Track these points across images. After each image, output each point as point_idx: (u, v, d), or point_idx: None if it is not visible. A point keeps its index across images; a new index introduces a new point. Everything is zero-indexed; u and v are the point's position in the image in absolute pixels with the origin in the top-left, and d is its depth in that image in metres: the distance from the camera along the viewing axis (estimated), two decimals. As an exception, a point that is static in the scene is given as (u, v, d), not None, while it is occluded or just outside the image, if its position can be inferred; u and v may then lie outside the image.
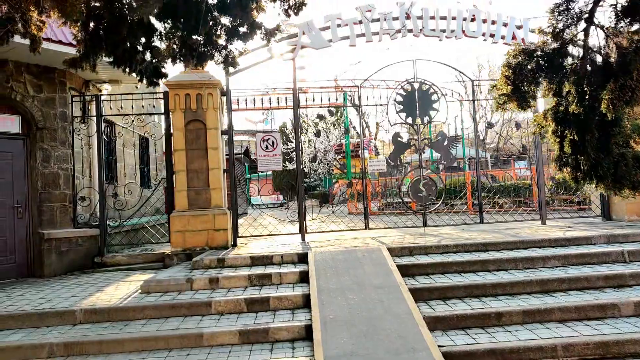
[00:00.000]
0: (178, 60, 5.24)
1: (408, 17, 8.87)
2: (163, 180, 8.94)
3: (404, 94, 9.08)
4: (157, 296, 6.03)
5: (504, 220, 9.46)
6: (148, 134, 12.55)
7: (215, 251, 7.87)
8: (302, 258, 7.03)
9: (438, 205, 9.14)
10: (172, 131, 8.42)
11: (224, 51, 5.46)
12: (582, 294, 5.57)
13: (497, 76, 9.18)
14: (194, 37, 5.16)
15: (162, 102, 8.96)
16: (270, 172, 30.38)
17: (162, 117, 12.07)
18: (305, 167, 32.43)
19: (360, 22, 8.78)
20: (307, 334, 5.00)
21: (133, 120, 8.66)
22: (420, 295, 5.61)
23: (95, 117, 8.79)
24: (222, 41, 5.54)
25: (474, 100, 9.19)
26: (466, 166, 18.44)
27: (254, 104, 8.81)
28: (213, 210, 8.22)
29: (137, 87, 9.69)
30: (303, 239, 8.66)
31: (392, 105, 9.04)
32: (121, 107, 9.03)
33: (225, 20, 5.49)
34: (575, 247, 7.02)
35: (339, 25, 8.76)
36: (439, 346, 4.48)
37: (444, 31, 8.94)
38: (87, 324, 5.49)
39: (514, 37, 9.12)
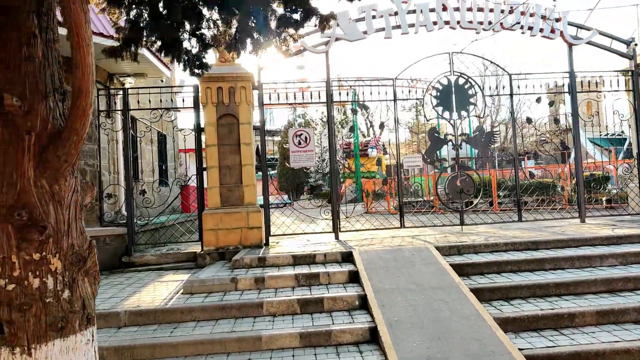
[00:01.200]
0: (234, 47, 4.95)
1: (445, 9, 8.62)
2: (192, 176, 8.64)
3: (440, 88, 8.82)
4: (201, 297, 5.74)
5: (542, 218, 9.20)
6: (165, 131, 12.25)
7: (251, 250, 7.59)
8: (346, 257, 6.75)
9: (477, 202, 8.87)
10: (202, 126, 8.14)
11: (277, 38, 5.18)
12: (652, 294, 5.33)
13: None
14: (249, 23, 4.88)
15: (178, 97, 8.65)
16: (275, 172, 30.20)
17: (178, 112, 11.83)
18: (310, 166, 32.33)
19: (396, 13, 8.52)
20: (371, 336, 4.73)
21: (162, 115, 8.35)
22: (481, 295, 5.34)
23: (120, 112, 8.49)
24: (273, 27, 5.26)
25: (512, 95, 8.93)
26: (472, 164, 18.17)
27: (287, 98, 8.53)
28: (247, 208, 7.93)
29: (162, 81, 9.39)
30: (337, 237, 8.39)
31: (427, 100, 8.79)
32: (138, 102, 8.73)
33: (278, 6, 5.21)
34: (628, 245, 6.77)
35: (374, 17, 8.50)
36: (518, 349, 4.22)
37: (481, 23, 8.69)
38: (132, 326, 5.20)
39: (552, 31, 8.89)
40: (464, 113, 8.80)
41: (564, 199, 11.56)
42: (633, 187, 9.18)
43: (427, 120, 8.80)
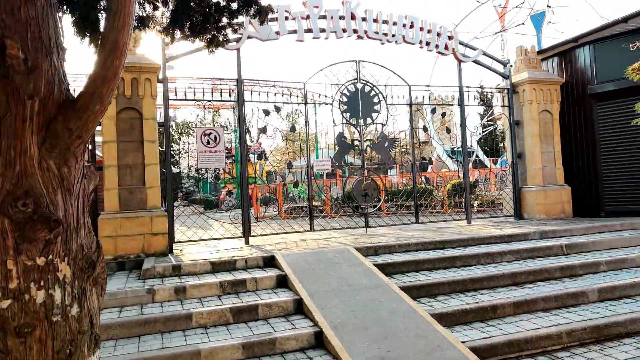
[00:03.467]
0: (169, 30, 4.46)
1: (353, 18, 8.86)
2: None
3: (348, 94, 9.03)
4: (114, 312, 5.05)
5: (436, 220, 9.90)
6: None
7: (157, 258, 6.92)
8: (268, 262, 6.50)
9: (379, 205, 9.21)
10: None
11: (214, 26, 4.81)
12: (549, 284, 6.01)
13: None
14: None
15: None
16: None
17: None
18: (183, 170, 30.82)
19: (308, 17, 8.53)
20: (317, 341, 4.59)
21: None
22: (410, 293, 5.51)
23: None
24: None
25: (410, 104, 9.50)
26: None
27: (194, 95, 7.99)
28: (150, 212, 7.23)
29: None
30: (247, 242, 8.06)
31: (337, 105, 8.93)
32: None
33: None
34: (518, 242, 7.59)
35: (286, 18, 8.40)
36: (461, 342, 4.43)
37: (385, 35, 9.10)
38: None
39: (446, 47, 9.66)
40: (369, 120, 9.12)
41: (442, 203, 12.61)
42: (508, 192, 10.37)
43: (335, 125, 8.93)
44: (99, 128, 7.30)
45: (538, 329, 4.79)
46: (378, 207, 9.17)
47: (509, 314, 5.26)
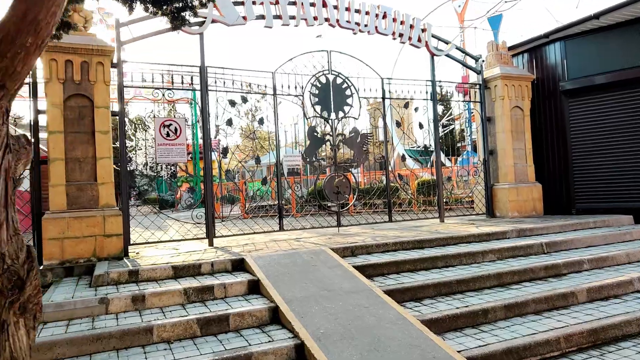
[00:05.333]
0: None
1: (325, 5, 8.37)
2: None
3: (319, 86, 8.54)
4: (61, 326, 4.34)
5: (409, 219, 9.55)
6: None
7: (111, 262, 6.20)
8: (237, 265, 5.92)
9: (352, 203, 8.77)
10: (43, 108, 6.43)
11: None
12: (536, 285, 5.73)
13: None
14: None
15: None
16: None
17: None
18: (137, 168, 29.43)
19: (277, 2, 7.98)
20: (298, 355, 4.07)
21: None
22: (394, 297, 5.07)
23: None
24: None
25: (384, 98, 9.12)
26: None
27: (152, 81, 7.27)
28: (103, 211, 6.48)
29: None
30: (211, 244, 7.42)
31: (307, 97, 8.42)
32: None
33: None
34: (497, 241, 7.34)
35: (254, 2, 7.81)
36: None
37: (358, 24, 8.67)
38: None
39: (419, 39, 9.34)
40: (341, 113, 8.66)
41: (410, 201, 12.33)
42: (480, 189, 10.17)
43: (307, 118, 8.42)
44: (43, 120, 6.49)
45: (534, 334, 4.46)
46: (350, 205, 8.72)
47: (501, 317, 4.92)
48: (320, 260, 5.94)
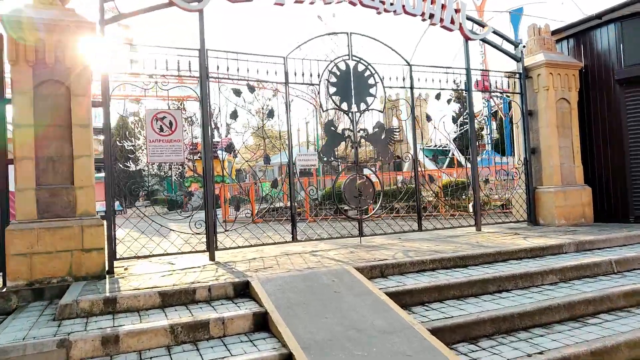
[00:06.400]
0: None
1: (345, -20, 7.20)
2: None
3: (338, 73, 7.37)
4: (1, 383, 3.24)
5: (441, 227, 8.31)
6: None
7: (89, 284, 5.09)
8: (241, 290, 4.78)
9: (376, 209, 7.59)
10: (9, 96, 5.35)
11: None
12: (619, 319, 4.51)
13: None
14: None
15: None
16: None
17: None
18: (144, 168, 28.44)
19: (290, -25, 6.82)
20: None
21: None
22: (442, 338, 3.90)
23: None
24: None
25: (412, 88, 7.92)
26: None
27: (143, 67, 6.16)
28: (81, 221, 5.37)
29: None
30: (213, 258, 6.29)
31: (324, 86, 7.26)
32: None
33: None
34: (553, 257, 6.12)
35: (263, -25, 6.67)
36: None
37: (382, 2, 7.47)
38: None
39: (452, 21, 8.12)
40: (362, 105, 7.48)
41: (436, 206, 11.12)
42: (521, 192, 8.91)
43: (324, 111, 7.26)
44: (8, 111, 5.41)
45: (645, 399, 3.26)
46: (374, 211, 7.54)
47: (589, 370, 3.72)
48: (344, 284, 4.77)
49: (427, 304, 4.68)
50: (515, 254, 6.05)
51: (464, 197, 12.77)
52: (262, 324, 4.14)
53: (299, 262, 5.77)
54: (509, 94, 9.30)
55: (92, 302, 4.29)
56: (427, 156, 22.21)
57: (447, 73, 8.15)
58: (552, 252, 6.28)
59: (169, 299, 4.50)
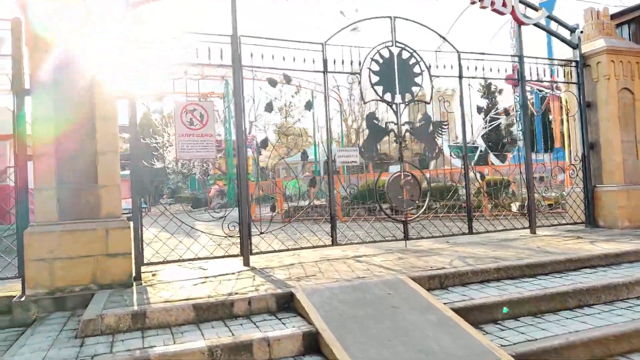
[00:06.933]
0: None
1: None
2: (7, 169, 5.18)
3: (381, 61, 6.74)
4: (13, 419, 2.72)
5: (492, 229, 7.57)
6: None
7: (114, 293, 4.59)
8: (284, 302, 4.20)
9: (422, 210, 6.93)
10: (27, 86, 4.88)
11: None
12: None
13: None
14: None
15: None
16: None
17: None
18: (169, 166, 28.20)
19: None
20: None
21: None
22: (528, 366, 3.27)
23: None
24: None
25: (461, 77, 7.23)
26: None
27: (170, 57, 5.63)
28: (106, 223, 4.88)
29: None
30: (247, 263, 5.75)
31: (365, 75, 6.64)
32: None
33: None
34: (631, 265, 5.39)
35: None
36: None
37: (430, -16, 6.81)
38: None
39: (504, 4, 7.41)
40: (408, 96, 6.84)
41: (479, 205, 10.38)
42: (579, 192, 8.13)
43: (365, 103, 6.65)
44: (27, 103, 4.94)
45: None
46: (422, 210, 6.89)
47: None
48: (401, 297, 4.15)
49: (499, 322, 4.04)
50: (587, 261, 5.35)
51: (504, 195, 12.01)
52: (312, 345, 3.56)
53: (344, 270, 5.17)
54: (563, 84, 8.52)
55: (118, 317, 3.77)
56: (454, 154, 21.35)
57: (497, 61, 7.43)
58: (629, 259, 5.55)
59: (204, 314, 3.96)
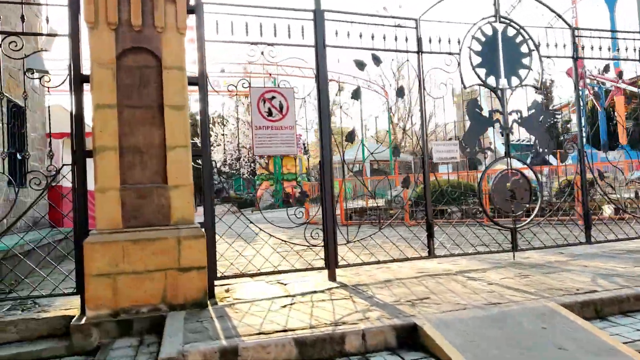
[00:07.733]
0: None
1: None
2: (64, 168, 4.46)
3: (483, 40, 5.72)
4: None
5: (614, 238, 6.37)
6: (17, 97, 7.68)
7: (186, 316, 3.79)
8: (405, 336, 3.28)
9: (534, 214, 5.85)
10: (87, 72, 4.16)
11: None
12: None
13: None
14: None
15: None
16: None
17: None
18: (216, 166, 27.85)
19: None
20: None
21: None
22: None
23: None
24: None
25: (575, 58, 6.12)
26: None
27: (247, 33, 4.82)
28: (177, 230, 4.10)
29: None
30: (334, 278, 4.87)
31: (466, 55, 5.64)
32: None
33: None
34: None
35: None
36: None
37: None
38: None
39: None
40: (514, 80, 5.80)
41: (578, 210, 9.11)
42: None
43: (465, 88, 5.65)
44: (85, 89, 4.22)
45: None
46: (535, 214, 5.82)
47: None
48: (560, 332, 3.15)
49: None
50: None
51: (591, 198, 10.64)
52: (464, 404, 2.62)
53: (462, 291, 4.19)
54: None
55: (204, 355, 2.94)
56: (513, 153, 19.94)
57: (619, 39, 6.27)
58: None
59: (308, 350, 3.09)
